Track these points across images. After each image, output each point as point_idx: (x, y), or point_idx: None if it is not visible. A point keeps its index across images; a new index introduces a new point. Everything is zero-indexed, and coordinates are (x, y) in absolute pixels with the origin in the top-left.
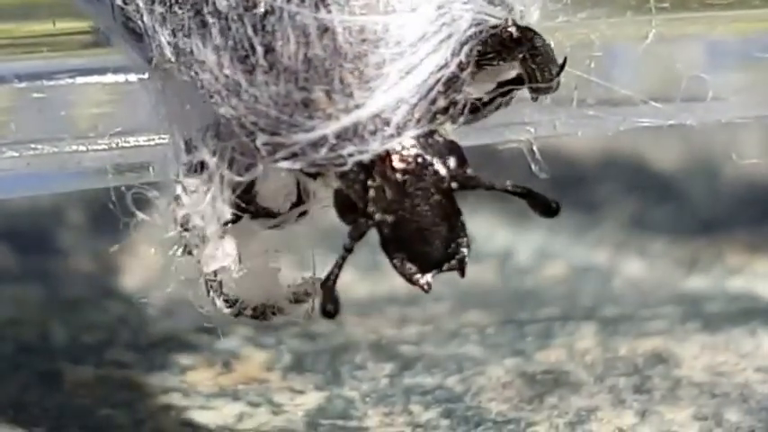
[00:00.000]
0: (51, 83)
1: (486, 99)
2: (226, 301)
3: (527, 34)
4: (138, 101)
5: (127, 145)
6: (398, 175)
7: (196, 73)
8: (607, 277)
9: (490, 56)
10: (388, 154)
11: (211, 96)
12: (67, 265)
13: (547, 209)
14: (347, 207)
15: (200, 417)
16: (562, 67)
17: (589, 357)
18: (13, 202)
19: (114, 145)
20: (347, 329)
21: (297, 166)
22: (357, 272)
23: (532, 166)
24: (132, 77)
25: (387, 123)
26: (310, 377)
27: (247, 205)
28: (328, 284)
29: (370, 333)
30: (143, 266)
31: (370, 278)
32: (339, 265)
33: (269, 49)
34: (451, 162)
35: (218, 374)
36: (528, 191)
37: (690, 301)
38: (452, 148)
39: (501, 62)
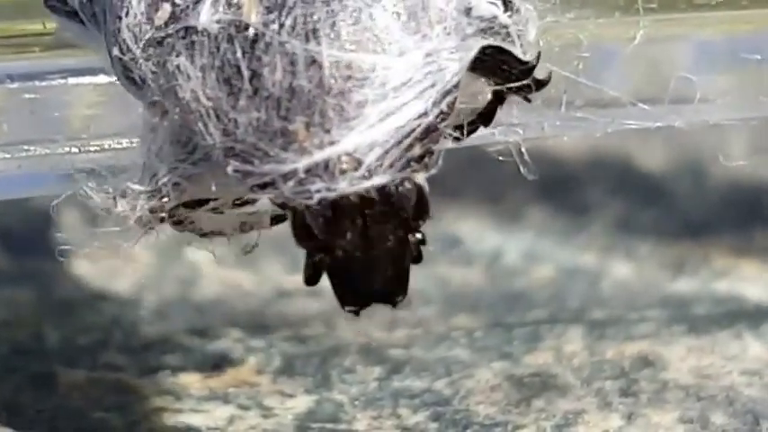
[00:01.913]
0: (44, 84)
1: (468, 129)
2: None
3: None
4: (131, 102)
5: (119, 147)
6: (361, 219)
7: (178, 94)
8: (595, 280)
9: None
10: (356, 195)
11: (191, 118)
12: (61, 268)
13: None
14: (305, 234)
15: (191, 419)
16: (533, 66)
17: (576, 360)
18: (6, 204)
19: (107, 146)
20: (337, 333)
21: (264, 196)
22: None
23: (521, 168)
24: None
25: (358, 164)
26: (300, 381)
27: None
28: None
29: (359, 337)
30: (136, 269)
31: None
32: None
33: (255, 75)
34: (415, 211)
35: (209, 377)
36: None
37: (676, 303)
38: (420, 196)
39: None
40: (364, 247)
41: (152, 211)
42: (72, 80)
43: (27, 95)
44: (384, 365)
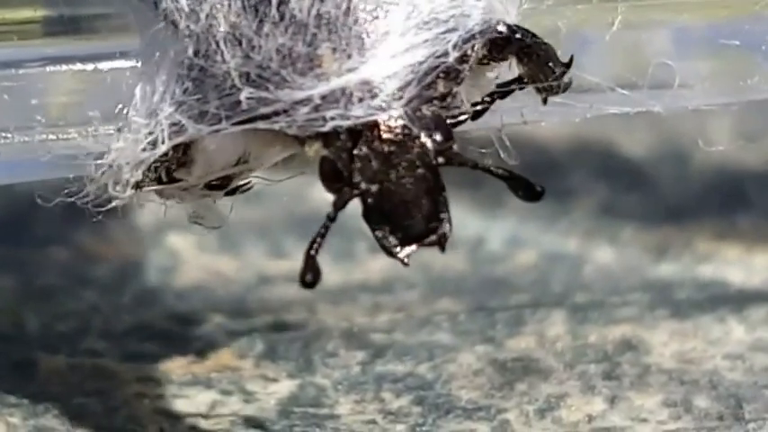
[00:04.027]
0: (21, 71)
1: (487, 101)
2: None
3: (515, 32)
4: (108, 89)
5: (97, 134)
6: (385, 146)
7: (200, 15)
8: (577, 265)
9: (482, 54)
10: (375, 124)
11: (209, 41)
12: (41, 254)
13: (530, 192)
14: (333, 175)
15: (173, 405)
16: (567, 65)
17: (559, 344)
18: None
19: (85, 133)
20: (319, 317)
21: (275, 125)
22: (330, 260)
23: (501, 154)
24: (102, 66)
25: (375, 94)
26: (283, 365)
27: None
28: (311, 253)
29: (342, 321)
30: (116, 255)
31: (342, 266)
32: (322, 235)
33: (282, 1)
34: (438, 136)
35: (191, 363)
36: (510, 173)
37: (659, 288)
38: (439, 123)
39: (492, 61)
40: (393, 179)
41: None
42: (50, 68)
43: (5, 83)
44: (367, 350)
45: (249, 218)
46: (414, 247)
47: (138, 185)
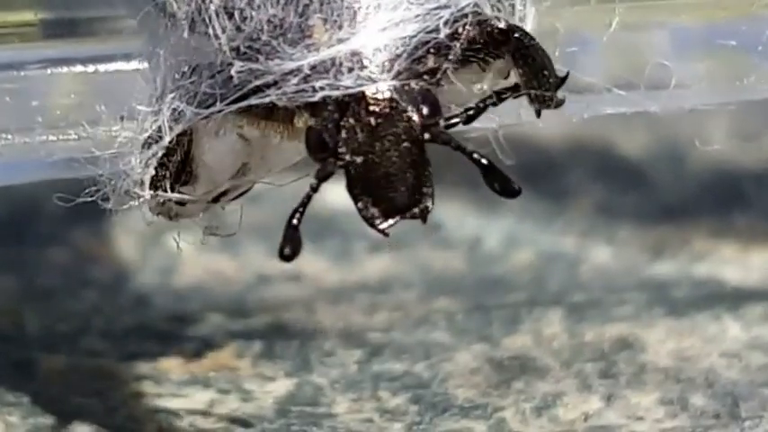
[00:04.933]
0: (22, 73)
1: (481, 105)
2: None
3: (514, 30)
4: (109, 91)
5: (97, 135)
6: (371, 118)
7: None
8: (574, 264)
9: (477, 48)
10: (363, 95)
11: (202, 21)
12: (41, 255)
13: (506, 188)
14: (318, 145)
15: (171, 404)
16: (563, 80)
17: (556, 343)
18: None
19: (85, 135)
20: (317, 317)
21: (266, 99)
22: (327, 260)
23: (498, 154)
24: (102, 68)
25: (364, 65)
26: (280, 364)
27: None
28: (292, 223)
29: (339, 320)
30: (116, 256)
31: (340, 266)
32: (304, 205)
33: None
34: (425, 111)
35: (190, 362)
36: (490, 164)
37: (656, 286)
38: (427, 98)
39: (487, 57)
40: (378, 151)
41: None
42: (50, 70)
43: (6, 85)
44: (364, 349)
45: (248, 218)
46: (396, 218)
47: (155, 186)
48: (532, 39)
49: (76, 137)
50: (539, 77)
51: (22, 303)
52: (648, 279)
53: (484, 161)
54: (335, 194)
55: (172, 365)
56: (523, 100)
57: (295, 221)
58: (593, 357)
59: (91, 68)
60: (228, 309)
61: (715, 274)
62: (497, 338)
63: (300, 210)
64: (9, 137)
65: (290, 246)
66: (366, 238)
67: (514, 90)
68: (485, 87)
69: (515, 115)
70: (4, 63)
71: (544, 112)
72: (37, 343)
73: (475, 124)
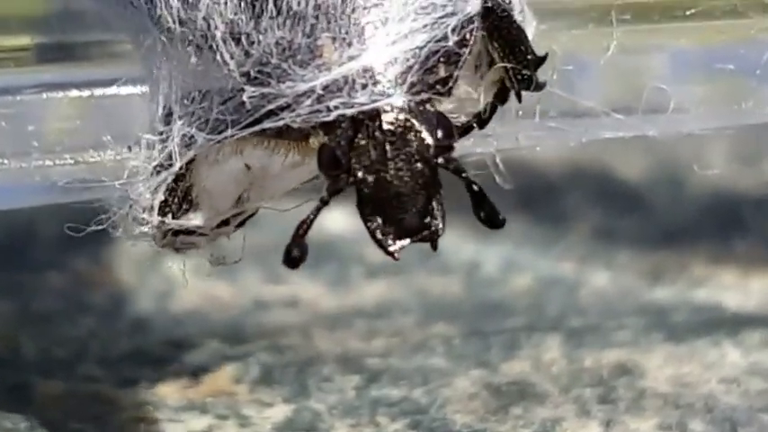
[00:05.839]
0: (18, 98)
1: (486, 114)
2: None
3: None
4: (105, 116)
5: (93, 160)
6: (385, 136)
7: (197, 22)
8: (573, 289)
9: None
10: (377, 113)
11: (208, 46)
12: (37, 280)
13: (491, 219)
14: (331, 162)
15: (169, 429)
16: (542, 59)
17: (554, 368)
18: None
19: (81, 159)
20: (315, 342)
21: (280, 122)
22: (325, 285)
23: (496, 178)
24: (98, 92)
25: (377, 80)
26: (278, 390)
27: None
28: (300, 233)
29: (337, 346)
30: (113, 281)
31: (337, 292)
32: (314, 215)
33: None
34: (439, 133)
35: (187, 387)
36: (481, 193)
37: (654, 311)
38: (441, 120)
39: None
40: (391, 171)
41: (158, 169)
42: (46, 94)
43: (2, 110)
44: (362, 374)
45: (245, 243)
46: (406, 241)
47: (163, 212)
48: (505, 11)
49: (73, 161)
50: (515, 53)
51: (19, 328)
52: (647, 304)
53: (475, 188)
54: (332, 220)
55: (169, 391)
56: (521, 122)
57: (302, 231)
58: (591, 383)
59: (86, 93)
60: (226, 334)
61: (714, 299)
62: (496, 364)
63: (310, 219)
64: (5, 161)
65: (298, 249)
66: (363, 263)
67: (502, 88)
68: (480, 99)
69: (513, 139)
70: (0, 88)
71: (542, 138)
72: (34, 368)
73: (473, 148)
